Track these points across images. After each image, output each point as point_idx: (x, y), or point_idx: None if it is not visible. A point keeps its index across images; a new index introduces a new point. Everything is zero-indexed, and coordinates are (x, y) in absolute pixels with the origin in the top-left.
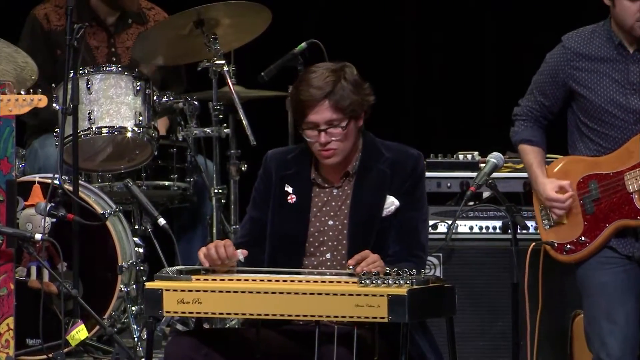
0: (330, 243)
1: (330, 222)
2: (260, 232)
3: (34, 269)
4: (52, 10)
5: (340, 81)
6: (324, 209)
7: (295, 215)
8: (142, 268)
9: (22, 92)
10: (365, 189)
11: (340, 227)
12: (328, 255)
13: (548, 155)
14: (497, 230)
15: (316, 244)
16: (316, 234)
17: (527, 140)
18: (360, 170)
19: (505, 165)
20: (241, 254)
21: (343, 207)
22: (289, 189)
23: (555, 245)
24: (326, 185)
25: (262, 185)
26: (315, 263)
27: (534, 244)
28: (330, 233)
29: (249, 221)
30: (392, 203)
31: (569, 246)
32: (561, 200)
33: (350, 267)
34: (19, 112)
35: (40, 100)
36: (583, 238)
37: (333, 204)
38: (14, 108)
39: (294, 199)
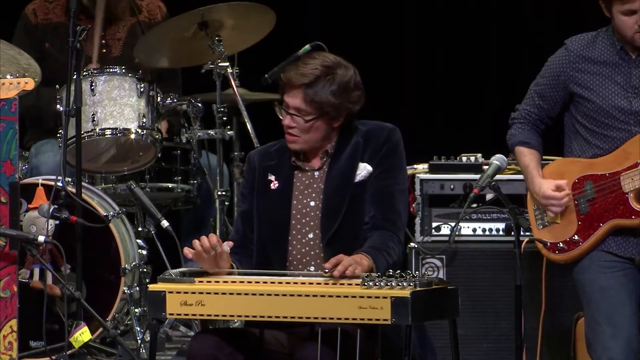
0: (312, 223)
1: (312, 203)
2: (251, 225)
3: (37, 271)
4: (40, 5)
5: (324, 78)
6: (305, 191)
7: (278, 200)
8: (145, 270)
9: (9, 76)
10: (339, 162)
11: (321, 206)
12: (311, 235)
13: (545, 157)
14: (501, 233)
15: (298, 226)
16: (298, 216)
17: (524, 143)
18: (336, 149)
19: (508, 167)
20: (227, 245)
21: (322, 187)
22: (271, 177)
23: (548, 244)
24: (307, 168)
25: (248, 181)
26: (298, 246)
27: (527, 240)
28: (312, 213)
29: (240, 216)
30: (364, 168)
31: (561, 245)
32: (558, 198)
33: (327, 270)
34: (7, 96)
35: (27, 84)
36: (576, 237)
37: (315, 185)
38: (1, 92)
39: (277, 185)
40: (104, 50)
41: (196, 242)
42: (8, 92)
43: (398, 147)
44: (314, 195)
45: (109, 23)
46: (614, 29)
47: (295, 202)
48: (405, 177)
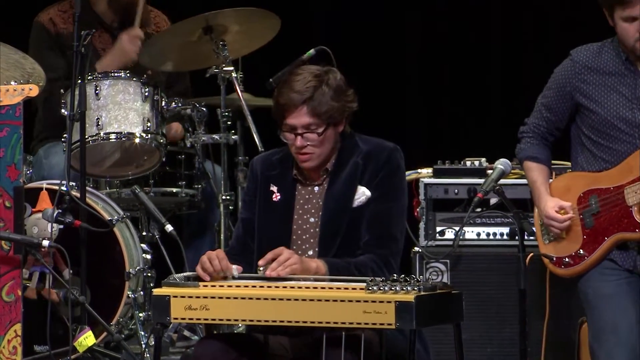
0: (312, 240)
1: (312, 220)
2: (252, 233)
3: (35, 275)
4: (56, 15)
5: (321, 87)
6: (305, 206)
7: (279, 213)
8: (149, 274)
9: (13, 83)
10: (338, 182)
11: (319, 222)
12: (311, 252)
13: (555, 162)
14: (505, 237)
15: (299, 242)
16: (299, 231)
17: (532, 158)
18: (337, 165)
19: (512, 171)
20: (236, 270)
21: (322, 203)
22: (274, 188)
23: (554, 259)
24: (307, 182)
25: (250, 188)
26: None
27: (532, 254)
28: (312, 230)
29: (241, 223)
30: (362, 193)
31: (567, 259)
32: (559, 220)
33: (261, 268)
34: (11, 103)
35: (31, 90)
36: (582, 251)
37: (314, 201)
38: (5, 98)
39: (279, 197)
40: None
41: (207, 264)
42: (12, 98)
43: (398, 168)
44: (312, 211)
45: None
46: (619, 38)
47: (296, 216)
48: (405, 198)
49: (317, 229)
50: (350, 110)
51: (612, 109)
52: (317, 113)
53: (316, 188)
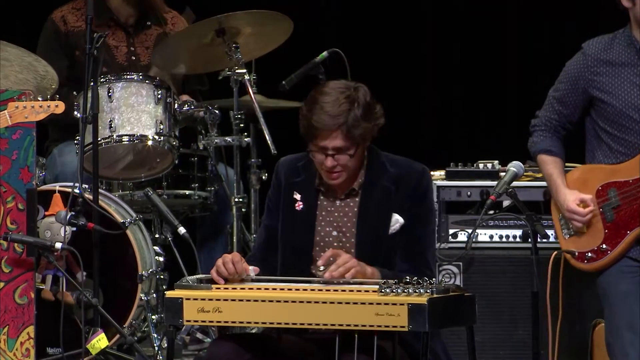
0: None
1: (334, 233)
2: (275, 240)
3: (49, 278)
4: (69, 12)
5: (353, 109)
6: (328, 218)
7: (302, 223)
8: (162, 277)
9: (40, 99)
10: (370, 207)
11: (344, 239)
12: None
13: (566, 164)
14: (518, 239)
15: (322, 254)
16: (321, 243)
17: (546, 151)
18: (366, 186)
19: (525, 174)
20: (253, 271)
21: (346, 220)
22: (297, 196)
23: (576, 254)
24: (330, 194)
25: (274, 194)
26: (319, 274)
27: (555, 252)
28: (335, 244)
29: (264, 229)
30: (396, 221)
31: (590, 254)
32: (582, 214)
33: (321, 268)
34: (35, 119)
35: (57, 107)
36: (604, 246)
37: (336, 214)
38: (30, 115)
39: (301, 206)
40: (133, 58)
41: (221, 268)
42: (37, 115)
43: (428, 190)
44: (335, 224)
45: (139, 30)
46: (634, 20)
47: (319, 227)
48: (434, 219)
49: (340, 245)
50: (378, 127)
51: (626, 100)
52: (350, 136)
53: (338, 202)
